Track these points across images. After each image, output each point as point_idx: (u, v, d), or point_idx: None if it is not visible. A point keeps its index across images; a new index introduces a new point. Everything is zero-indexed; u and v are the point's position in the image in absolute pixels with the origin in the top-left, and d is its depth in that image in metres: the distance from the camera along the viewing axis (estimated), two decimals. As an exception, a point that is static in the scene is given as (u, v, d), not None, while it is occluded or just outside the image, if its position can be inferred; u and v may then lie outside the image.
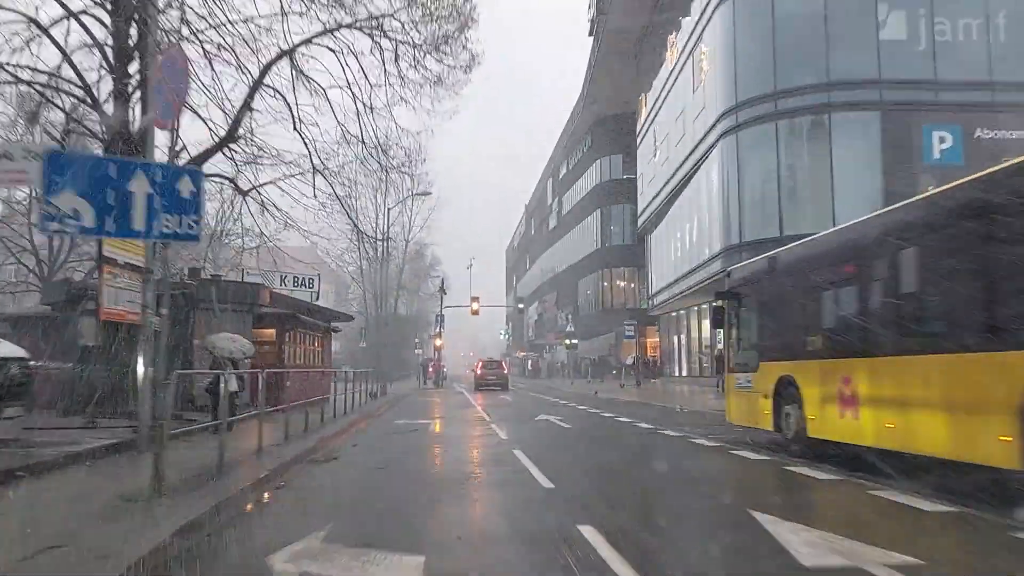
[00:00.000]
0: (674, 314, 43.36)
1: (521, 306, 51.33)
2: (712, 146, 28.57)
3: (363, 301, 57.43)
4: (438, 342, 45.69)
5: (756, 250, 25.81)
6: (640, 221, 46.37)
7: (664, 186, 38.60)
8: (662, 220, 40.95)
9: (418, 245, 58.65)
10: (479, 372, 40.88)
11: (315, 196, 17.41)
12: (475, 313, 52.31)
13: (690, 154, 32.36)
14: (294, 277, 27.14)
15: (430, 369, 49.64)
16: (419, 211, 59.07)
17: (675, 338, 43.98)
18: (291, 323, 19.93)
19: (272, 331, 19.49)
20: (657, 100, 38.93)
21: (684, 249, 35.07)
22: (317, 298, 27.29)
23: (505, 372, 40.84)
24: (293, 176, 17.23)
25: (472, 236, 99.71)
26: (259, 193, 17.30)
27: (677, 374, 42.72)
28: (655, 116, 39.92)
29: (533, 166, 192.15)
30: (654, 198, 41.35)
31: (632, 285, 57.64)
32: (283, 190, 17.26)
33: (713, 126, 28.25)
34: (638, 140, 46.35)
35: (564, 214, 70.82)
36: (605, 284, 59.17)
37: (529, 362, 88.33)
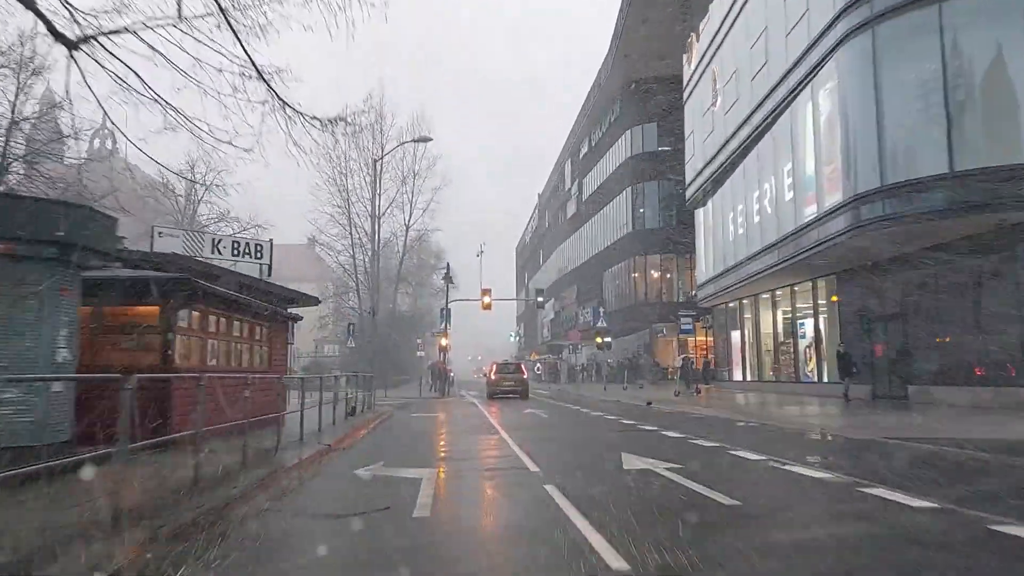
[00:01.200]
0: (731, 304, 35.18)
1: (540, 299, 42.72)
2: (825, 58, 20.44)
3: (355, 292, 49.51)
4: (444, 341, 37.59)
5: (909, 197, 17.77)
6: (688, 193, 38.20)
7: (728, 141, 30.47)
8: (721, 186, 32.82)
9: (420, 231, 50.75)
10: (493, 377, 32.80)
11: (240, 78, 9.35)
12: (487, 308, 44.20)
13: (778, 84, 24.24)
14: (234, 241, 19.08)
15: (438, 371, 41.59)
16: (421, 191, 51.23)
17: (733, 334, 35.76)
18: (195, 297, 11.85)
19: (152, 309, 11.41)
20: (720, 29, 30.78)
21: (764, 215, 26.90)
22: (268, 273, 19.23)
23: (525, 377, 32.79)
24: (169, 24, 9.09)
25: (480, 232, 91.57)
26: (110, 53, 9.16)
27: (739, 378, 34.50)
28: (715, 52, 31.78)
29: (544, 161, 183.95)
30: (710, 160, 33.21)
31: (669, 275, 49.45)
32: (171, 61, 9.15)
33: (828, 29, 20.10)
34: (685, 94, 38.23)
35: (585, 199, 62.71)
36: (635, 275, 51.01)
37: (538, 365, 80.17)
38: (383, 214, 50.84)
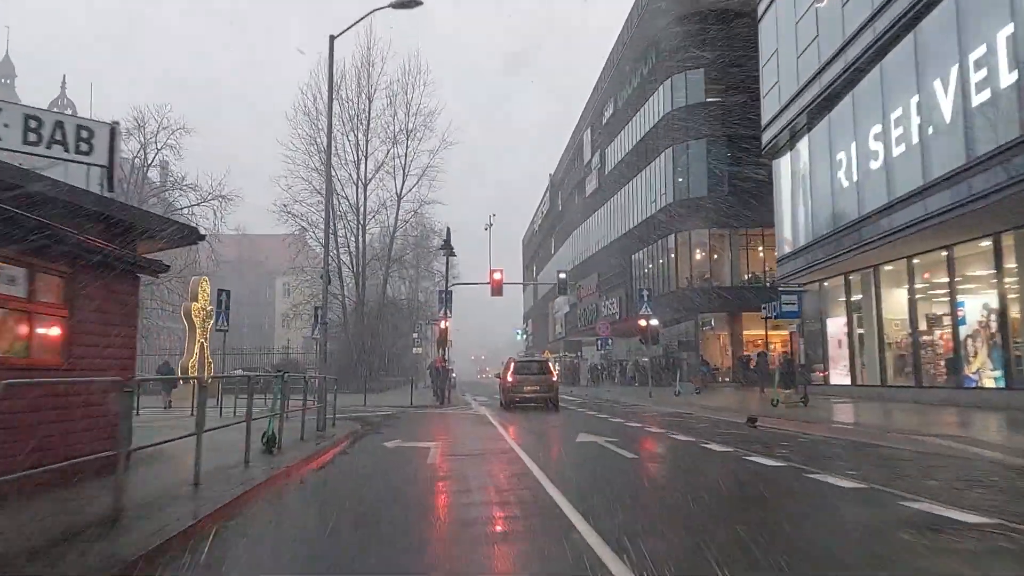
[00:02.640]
0: (829, 283, 26.19)
1: (563, 276, 33.72)
2: None
3: (336, 275, 40.57)
4: (443, 324, 28.62)
5: None
6: (765, 138, 29.17)
7: (846, 45, 21.49)
8: (823, 119, 23.89)
9: (416, 204, 41.77)
10: (511, 379, 23.57)
11: None
12: (496, 292, 35.49)
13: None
14: (29, 117, 9.98)
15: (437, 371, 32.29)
16: (417, 154, 42.26)
17: (831, 323, 26.74)
18: None
19: None
20: None
21: (923, 139, 17.89)
22: (109, 188, 10.24)
23: (555, 380, 23.64)
24: None
25: (489, 209, 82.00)
26: None
27: (841, 381, 25.47)
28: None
29: (558, 136, 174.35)
30: (808, 84, 24.23)
31: (716, 256, 40.40)
32: None
33: None
34: (761, 7, 29.20)
35: (610, 171, 53.71)
36: (675, 254, 41.95)
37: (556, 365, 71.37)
38: (370, 179, 41.92)
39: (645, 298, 31.14)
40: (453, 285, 35.14)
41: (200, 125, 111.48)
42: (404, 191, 42.03)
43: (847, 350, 25.14)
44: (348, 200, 41.60)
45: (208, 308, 34.44)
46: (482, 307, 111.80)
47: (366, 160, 41.61)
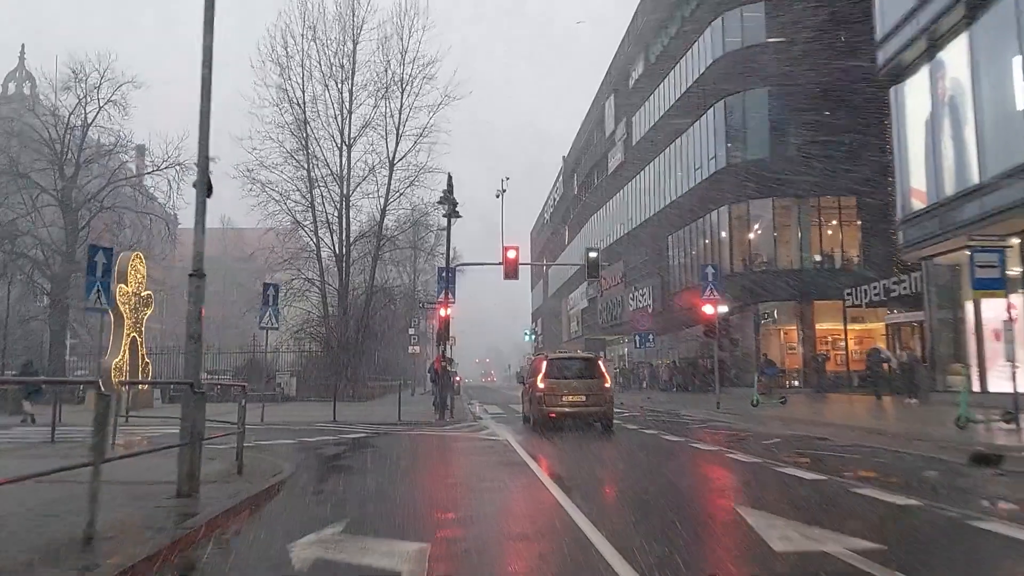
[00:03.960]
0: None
1: (594, 254, 25.89)
2: None
3: (315, 258, 33.12)
4: (444, 312, 21.02)
5: None
6: (882, 57, 21.51)
7: None
8: (984, 13, 16.33)
9: (412, 171, 34.31)
10: (543, 386, 15.60)
11: None
12: (510, 274, 28.12)
13: None
14: None
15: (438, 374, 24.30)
16: (413, 111, 34.74)
17: (986, 308, 19.06)
18: None
19: None
20: None
21: None
22: None
23: (608, 386, 15.86)
24: None
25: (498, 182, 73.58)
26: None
27: (1000, 388, 17.70)
28: None
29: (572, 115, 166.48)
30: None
31: (780, 233, 32.81)
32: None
33: None
34: None
35: (638, 140, 46.14)
36: (724, 234, 34.37)
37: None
38: (355, 139, 34.38)
39: (710, 277, 23.53)
40: (458, 266, 27.62)
41: (154, 77, 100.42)
42: (397, 156, 34.53)
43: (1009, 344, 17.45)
44: (329, 166, 34.08)
45: (143, 293, 26.94)
46: (487, 306, 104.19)
47: (350, 117, 34.12)
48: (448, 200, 19.68)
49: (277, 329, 19.56)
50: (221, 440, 9.65)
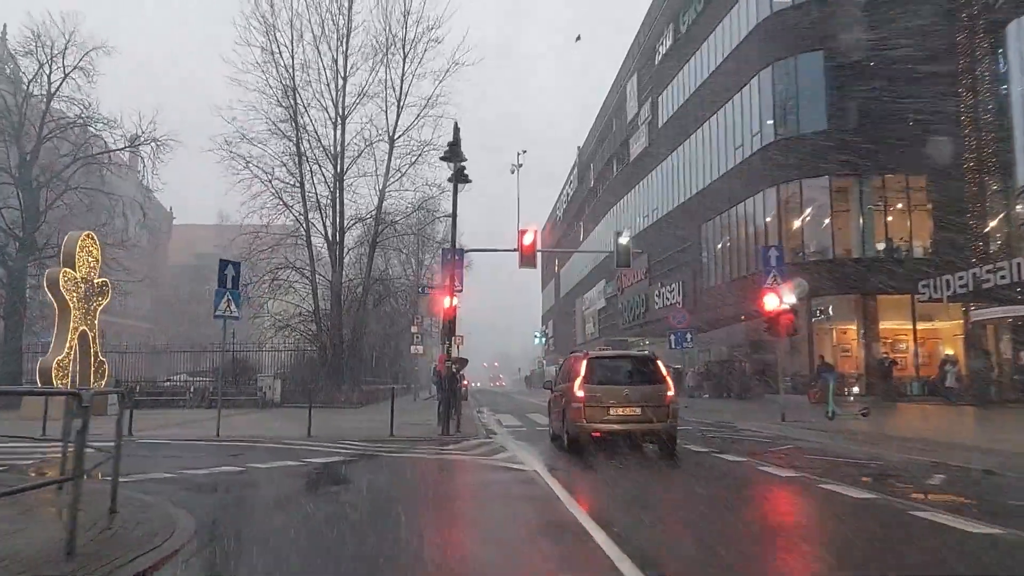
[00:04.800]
0: None
1: (625, 239, 21.59)
2: None
3: (304, 244, 29.22)
4: (449, 302, 16.73)
5: None
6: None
7: None
8: None
9: (414, 146, 30.27)
10: (581, 394, 11.40)
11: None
12: (527, 262, 24.06)
13: None
14: None
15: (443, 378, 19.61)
16: (416, 77, 30.66)
17: None
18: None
19: None
20: None
21: None
22: None
23: (670, 395, 11.68)
24: None
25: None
26: None
27: None
28: None
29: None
30: None
31: (835, 217, 28.47)
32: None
33: None
34: None
35: (666, 121, 41.89)
36: (770, 218, 30.12)
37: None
38: (350, 111, 30.29)
39: (773, 261, 19.26)
40: (467, 250, 23.44)
41: (127, 43, 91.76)
42: (398, 131, 30.37)
43: None
44: (321, 140, 29.95)
45: (96, 279, 22.87)
46: (494, 307, 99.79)
47: (345, 86, 29.98)
48: (454, 155, 15.44)
49: (237, 319, 15.41)
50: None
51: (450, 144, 15.76)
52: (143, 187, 33.18)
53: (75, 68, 30.68)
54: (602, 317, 56.41)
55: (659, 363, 12.09)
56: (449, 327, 18.11)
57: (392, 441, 14.37)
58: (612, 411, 11.48)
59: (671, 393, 11.75)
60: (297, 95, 29.70)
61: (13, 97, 30.56)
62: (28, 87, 30.93)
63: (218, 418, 14.96)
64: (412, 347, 34.23)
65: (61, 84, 31.00)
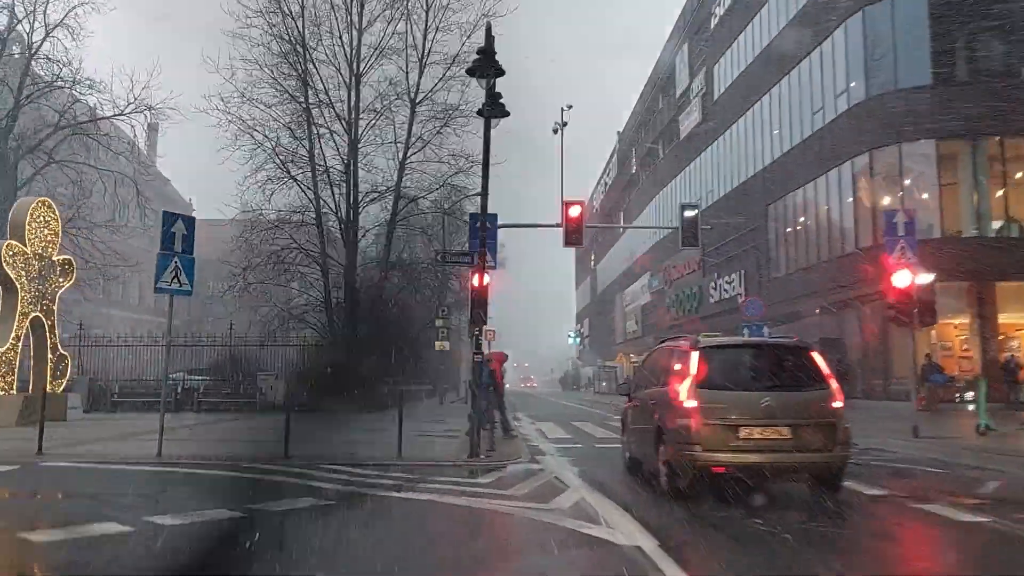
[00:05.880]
0: None
1: (692, 211, 16.94)
2: None
3: (314, 219, 25.29)
4: (478, 280, 12.34)
5: None
6: None
7: None
8: None
9: (439, 111, 26.26)
10: (691, 406, 7.08)
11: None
12: (574, 239, 20.31)
13: None
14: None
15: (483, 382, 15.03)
16: (442, 30, 26.50)
17: None
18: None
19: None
20: None
21: None
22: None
23: (836, 405, 7.41)
24: None
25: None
26: None
27: None
28: None
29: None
30: None
31: (942, 188, 23.68)
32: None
33: None
34: None
35: (724, 91, 37.25)
36: (862, 192, 25.48)
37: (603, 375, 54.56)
38: (366, 71, 26.23)
39: (902, 230, 14.69)
40: (504, 227, 19.03)
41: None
42: (421, 94, 26.19)
43: None
44: (333, 104, 25.83)
45: (56, 257, 18.97)
46: (524, 304, 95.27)
47: (360, 40, 25.84)
48: (485, 66, 11.06)
49: (189, 294, 11.24)
50: None
51: (480, 52, 11.39)
52: (139, 162, 29.31)
53: (59, 25, 26.98)
54: (646, 313, 51.77)
55: (814, 355, 7.66)
56: (479, 312, 13.73)
57: (399, 466, 10.11)
58: (745, 432, 7.09)
59: (839, 404, 7.33)
60: (307, 51, 25.65)
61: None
62: (4, 45, 27.28)
63: (160, 432, 10.77)
64: (437, 343, 30.00)
65: (43, 43, 27.33)
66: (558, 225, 20.01)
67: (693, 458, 7.17)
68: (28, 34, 27.61)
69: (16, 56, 28.24)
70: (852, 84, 25.71)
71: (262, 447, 12.06)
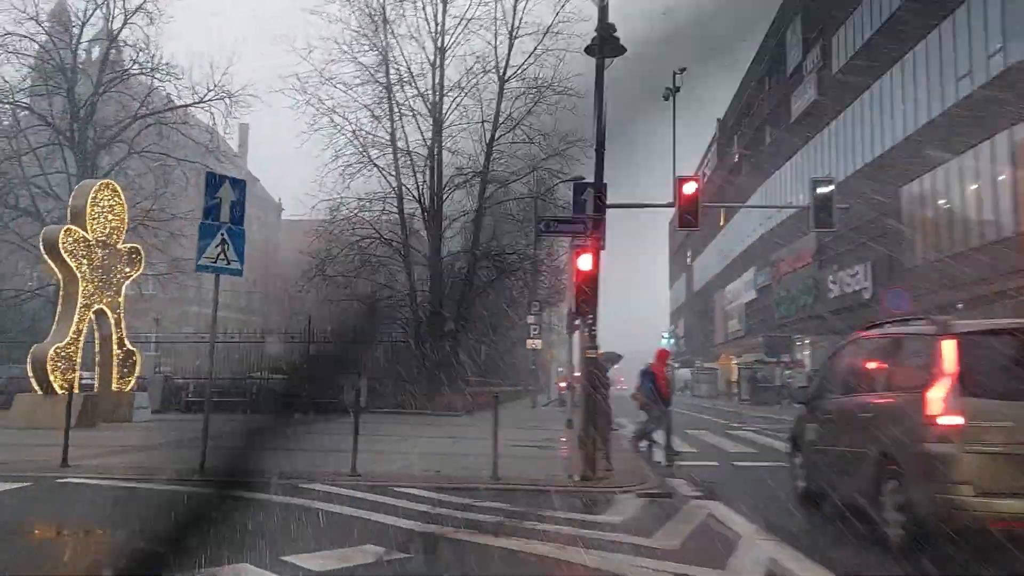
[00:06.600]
0: None
1: (826, 188, 13.84)
2: None
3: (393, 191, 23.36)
4: (589, 261, 9.90)
5: None
6: None
7: None
8: None
9: (530, 87, 24.11)
10: (954, 424, 4.41)
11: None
12: (688, 220, 17.03)
13: None
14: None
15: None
16: (531, 4, 24.23)
17: None
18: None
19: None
20: None
21: None
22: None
23: None
24: None
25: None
26: None
27: None
28: None
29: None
30: None
31: None
32: None
33: None
34: None
35: (842, 66, 33.57)
36: (1018, 170, 21.66)
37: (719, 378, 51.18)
38: (451, 46, 24.30)
39: None
40: (609, 207, 16.45)
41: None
42: (510, 69, 23.98)
43: None
44: (415, 83, 23.91)
45: (120, 245, 17.57)
46: (611, 299, 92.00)
47: (444, 7, 23.82)
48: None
49: (238, 274, 9.20)
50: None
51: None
52: (216, 151, 28.12)
53: (138, 10, 26.04)
54: (750, 311, 48.14)
55: None
56: (586, 300, 11.22)
57: (493, 492, 7.79)
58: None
59: None
60: (387, 26, 23.81)
61: (67, 44, 26.15)
62: (82, 30, 26.54)
63: (204, 441, 8.76)
64: (528, 341, 27.69)
65: (122, 28, 26.46)
66: (670, 205, 17.40)
67: (957, 505, 4.54)
68: (108, 20, 26.82)
69: (94, 42, 27.53)
70: (1009, 42, 22.03)
71: (324, 460, 9.95)
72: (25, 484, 8.05)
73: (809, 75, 37.59)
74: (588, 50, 10.23)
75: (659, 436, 11.75)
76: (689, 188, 17.34)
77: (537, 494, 7.93)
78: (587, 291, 11.10)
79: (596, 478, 8.62)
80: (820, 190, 18.17)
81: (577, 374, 21.20)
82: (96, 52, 27.30)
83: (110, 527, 6.29)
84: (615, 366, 12.30)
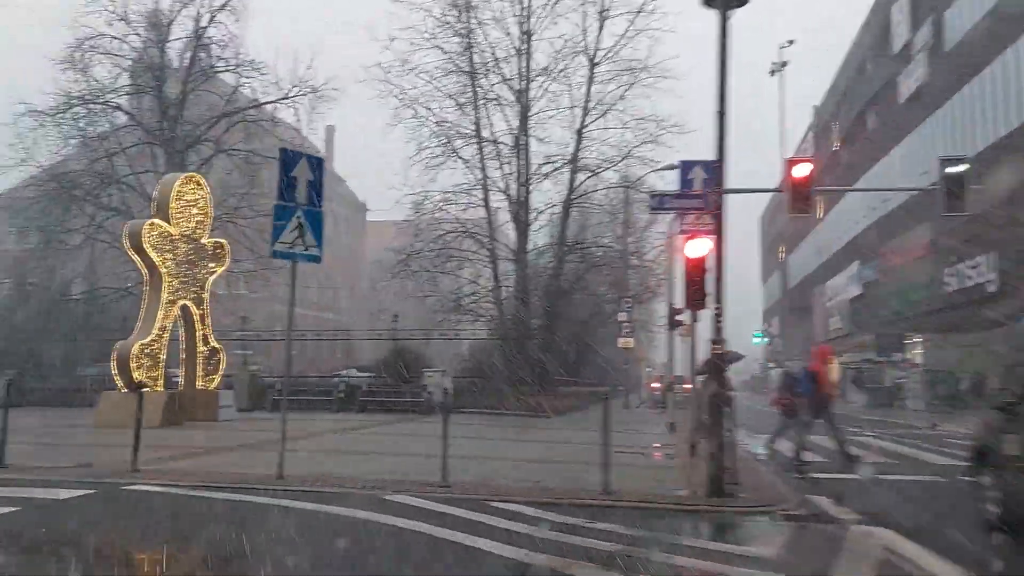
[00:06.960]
0: None
1: (959, 169, 11.88)
2: None
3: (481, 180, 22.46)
4: (709, 245, 8.63)
5: None
6: None
7: None
8: None
9: (623, 69, 22.71)
10: None
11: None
12: (799, 205, 15.37)
13: None
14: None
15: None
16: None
17: None
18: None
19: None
20: None
21: None
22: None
23: None
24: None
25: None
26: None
27: None
28: None
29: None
30: None
31: None
32: None
33: None
34: None
35: (956, 43, 30.92)
36: None
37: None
38: (538, 30, 23.27)
39: None
40: (725, 192, 15.06)
41: None
42: (600, 52, 22.73)
43: None
44: (501, 69, 22.93)
45: (205, 240, 17.20)
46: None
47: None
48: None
49: (317, 260, 8.30)
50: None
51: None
52: (301, 148, 27.79)
53: (222, 8, 25.96)
54: (855, 308, 45.26)
55: None
56: (697, 289, 9.90)
57: (608, 509, 6.64)
58: None
59: None
60: (471, 11, 22.94)
61: (155, 42, 26.28)
62: (169, 29, 26.61)
63: (282, 443, 7.91)
64: (620, 339, 26.36)
65: (208, 26, 26.43)
66: (779, 190, 15.95)
67: None
68: (196, 19, 26.83)
69: (181, 40, 27.65)
70: None
71: (413, 466, 9.00)
72: (89, 491, 7.35)
73: (918, 54, 34.89)
74: (708, 1, 8.99)
75: (785, 446, 10.36)
76: (801, 170, 15.70)
77: (658, 513, 6.74)
78: (697, 281, 9.93)
79: (725, 494, 7.35)
80: (951, 169, 16.19)
81: (678, 374, 19.92)
82: (183, 50, 27.37)
83: (164, 544, 5.43)
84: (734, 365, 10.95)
